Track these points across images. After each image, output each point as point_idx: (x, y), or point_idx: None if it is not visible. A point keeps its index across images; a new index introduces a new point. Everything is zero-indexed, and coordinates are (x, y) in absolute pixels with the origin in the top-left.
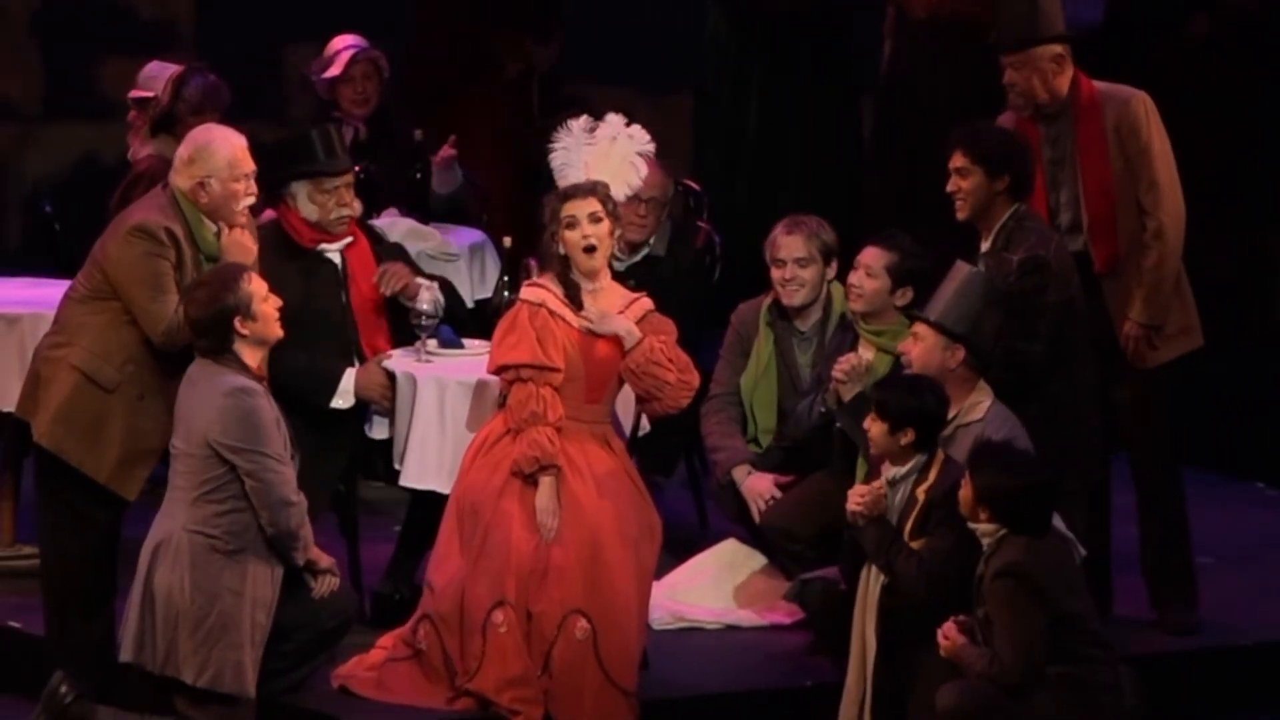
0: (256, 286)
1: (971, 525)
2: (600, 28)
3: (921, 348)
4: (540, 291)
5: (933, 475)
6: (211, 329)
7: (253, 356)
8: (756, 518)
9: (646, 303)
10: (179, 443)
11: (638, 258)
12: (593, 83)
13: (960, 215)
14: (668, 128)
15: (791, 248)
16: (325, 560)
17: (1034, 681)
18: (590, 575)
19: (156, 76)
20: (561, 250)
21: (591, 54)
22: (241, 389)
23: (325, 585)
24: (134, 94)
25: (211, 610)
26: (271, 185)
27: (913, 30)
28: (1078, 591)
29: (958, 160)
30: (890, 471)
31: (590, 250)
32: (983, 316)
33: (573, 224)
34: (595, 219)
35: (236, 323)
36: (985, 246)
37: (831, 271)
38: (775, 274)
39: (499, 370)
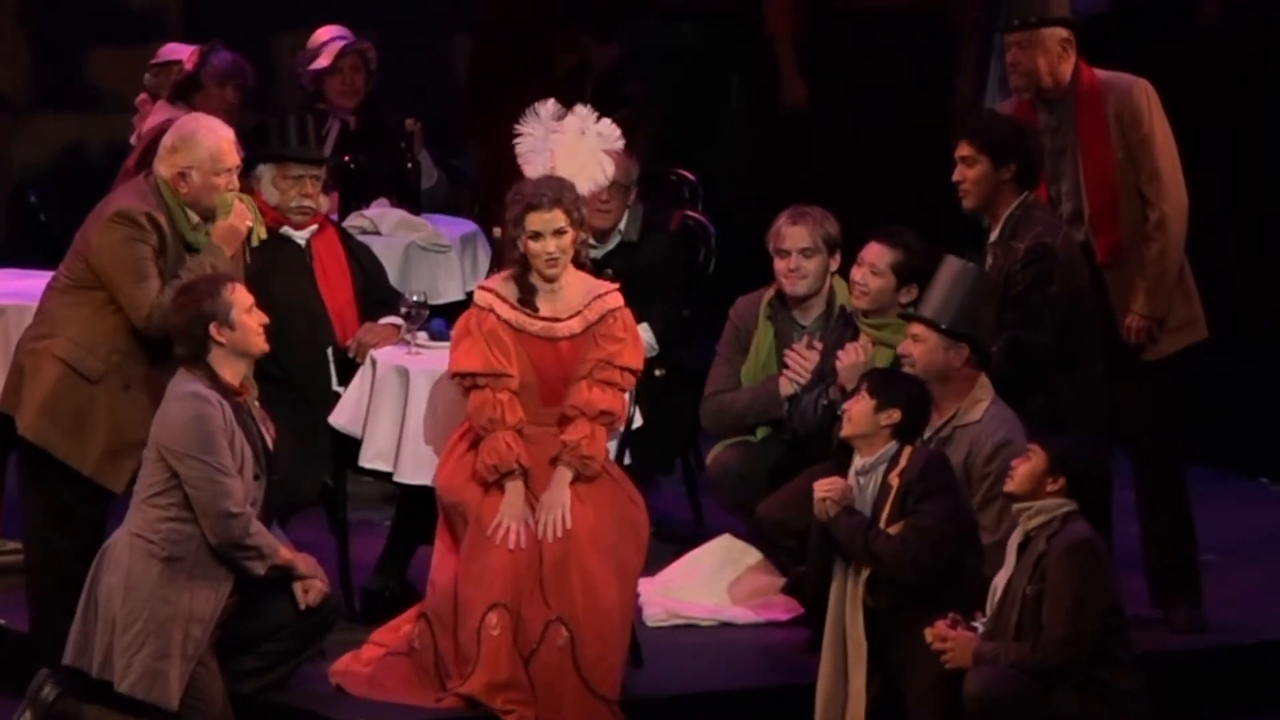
0: (240, 297)
1: (1021, 505)
2: None
3: (923, 349)
4: (488, 296)
5: (904, 461)
6: (188, 334)
7: (231, 370)
8: (804, 378)
9: (614, 299)
10: (145, 449)
11: (611, 245)
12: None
13: (966, 205)
14: None
15: (796, 238)
16: (304, 564)
17: (1077, 665)
18: (567, 583)
19: (176, 50)
20: (524, 254)
21: None
22: (194, 394)
23: (314, 593)
24: (154, 61)
25: (140, 615)
26: (243, 166)
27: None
28: (1118, 586)
29: (963, 149)
30: (858, 462)
31: (552, 262)
32: (980, 312)
33: (536, 237)
34: (559, 233)
35: (213, 329)
36: (993, 236)
37: (835, 263)
38: (779, 264)
39: (456, 376)
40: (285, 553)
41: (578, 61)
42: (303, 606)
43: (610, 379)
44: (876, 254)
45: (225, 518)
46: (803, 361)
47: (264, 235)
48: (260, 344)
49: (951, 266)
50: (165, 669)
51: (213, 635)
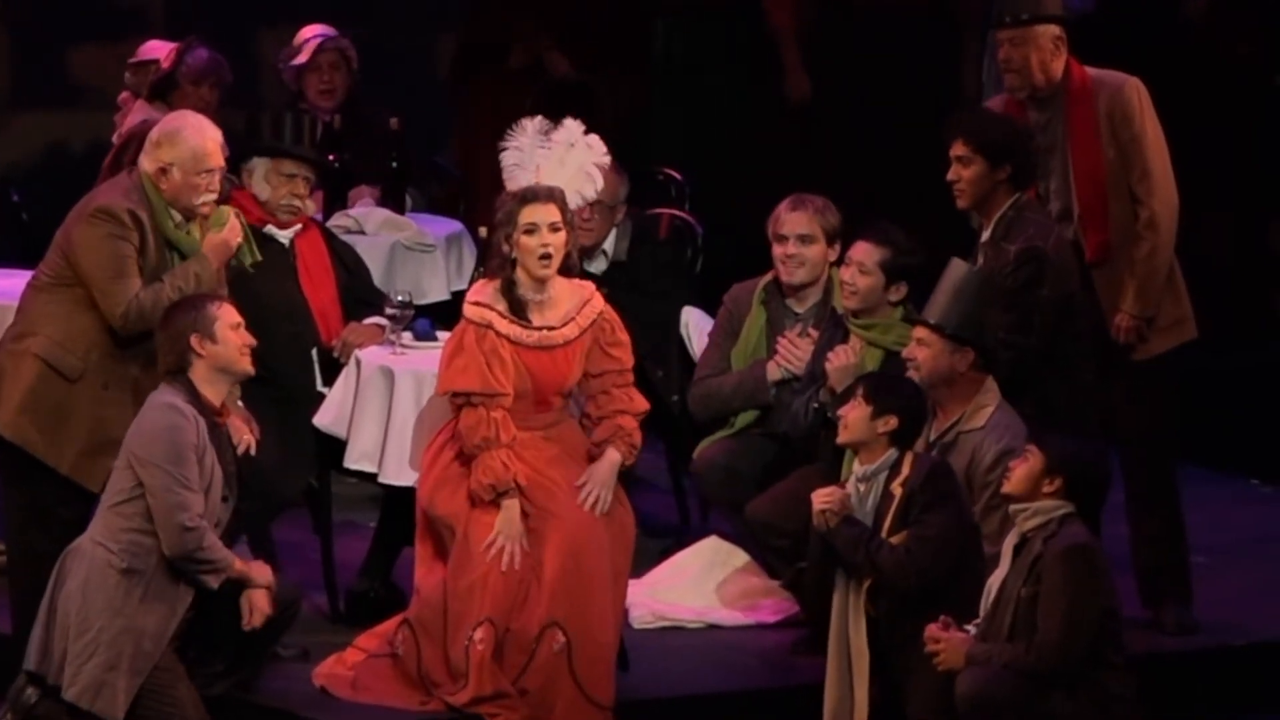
0: (225, 313)
1: (1018, 506)
2: None
3: (928, 353)
4: (485, 312)
5: (906, 470)
6: (170, 346)
7: (212, 389)
8: (794, 365)
9: (599, 299)
10: (118, 457)
11: (599, 264)
12: None
13: (960, 204)
14: None
15: (795, 224)
16: (260, 576)
17: (1070, 668)
18: (568, 587)
19: (155, 48)
20: (513, 255)
21: None
22: (169, 405)
23: (258, 615)
24: (133, 60)
25: (93, 625)
26: (234, 159)
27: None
28: (1113, 590)
29: (958, 149)
30: (859, 469)
31: (546, 259)
32: (985, 315)
33: (532, 230)
34: (555, 228)
35: (193, 341)
36: (985, 236)
37: (834, 254)
38: (777, 250)
39: (449, 394)
40: (239, 565)
41: (530, 61)
42: (246, 628)
43: (629, 382)
44: (864, 252)
45: (180, 530)
46: (794, 349)
47: (258, 258)
48: (244, 365)
49: (956, 270)
50: (113, 681)
51: (171, 644)
